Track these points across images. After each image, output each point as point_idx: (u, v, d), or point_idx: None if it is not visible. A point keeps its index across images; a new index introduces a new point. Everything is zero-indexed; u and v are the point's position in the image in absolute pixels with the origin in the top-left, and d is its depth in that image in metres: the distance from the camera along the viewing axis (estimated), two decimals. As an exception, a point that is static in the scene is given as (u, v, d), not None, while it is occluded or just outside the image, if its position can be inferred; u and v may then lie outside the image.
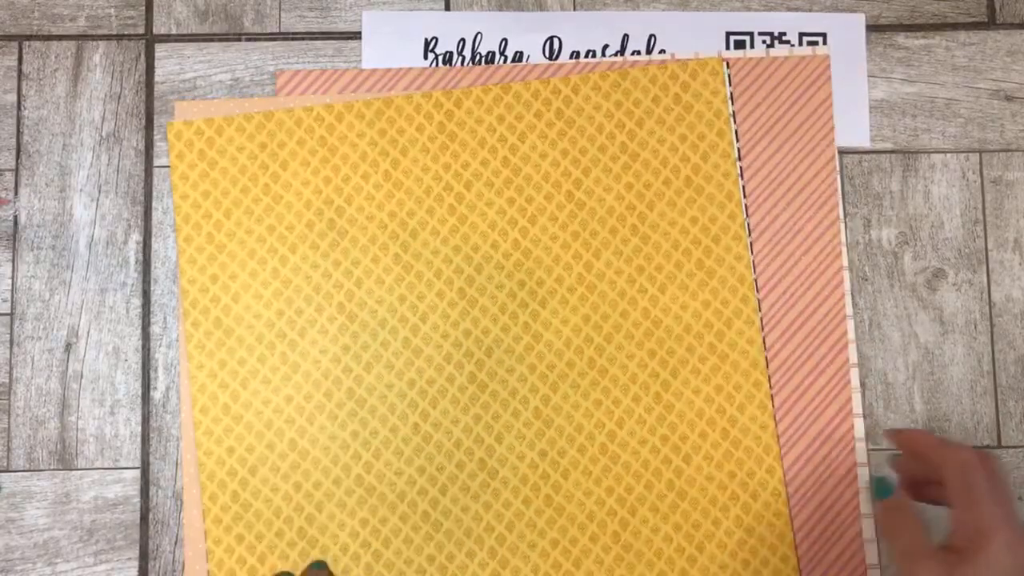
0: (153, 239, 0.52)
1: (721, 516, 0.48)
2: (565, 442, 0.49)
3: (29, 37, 0.53)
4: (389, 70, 0.52)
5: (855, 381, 0.50)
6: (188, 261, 0.50)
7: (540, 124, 0.51)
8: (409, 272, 0.50)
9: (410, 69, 0.52)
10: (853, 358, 0.50)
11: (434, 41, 0.53)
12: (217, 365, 0.49)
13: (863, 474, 0.49)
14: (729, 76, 0.52)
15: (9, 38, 0.53)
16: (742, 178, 0.51)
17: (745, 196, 0.51)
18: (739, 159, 0.51)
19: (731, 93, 0.52)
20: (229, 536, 0.48)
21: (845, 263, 0.51)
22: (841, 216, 0.51)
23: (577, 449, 0.49)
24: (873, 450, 0.51)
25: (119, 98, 0.53)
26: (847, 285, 0.51)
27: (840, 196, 0.51)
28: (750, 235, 0.51)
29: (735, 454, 0.49)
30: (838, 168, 0.52)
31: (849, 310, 0.51)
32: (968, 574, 0.36)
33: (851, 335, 0.50)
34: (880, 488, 0.44)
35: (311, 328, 0.49)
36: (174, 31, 0.53)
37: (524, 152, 0.51)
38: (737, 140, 0.51)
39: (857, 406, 0.50)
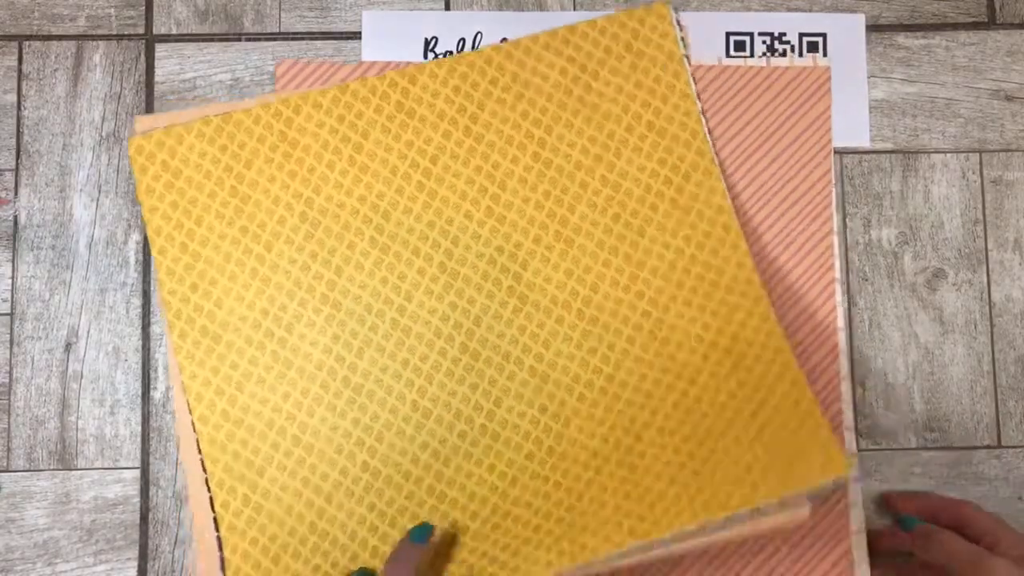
0: (153, 239, 0.52)
1: (735, 416, 0.47)
2: (564, 393, 0.49)
3: (29, 37, 0.53)
4: (390, 62, 0.52)
5: (846, 394, 0.50)
6: (166, 273, 0.49)
7: (496, 90, 0.51)
8: (387, 253, 0.50)
9: (411, 62, 0.52)
10: (844, 370, 0.50)
11: (434, 41, 0.53)
12: (210, 373, 0.49)
13: (855, 490, 0.48)
14: (678, 21, 0.52)
15: (9, 38, 0.53)
16: (722, 169, 0.51)
17: (738, 204, 0.51)
18: (715, 156, 0.51)
19: (682, 38, 0.51)
20: (244, 541, 0.47)
21: (838, 275, 0.51)
22: (835, 229, 0.51)
23: (576, 398, 0.48)
24: (865, 450, 0.51)
25: (119, 98, 0.53)
26: (839, 297, 0.50)
27: (834, 210, 0.51)
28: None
29: (743, 363, 0.48)
30: (833, 181, 0.51)
31: (841, 322, 0.50)
32: None
33: (843, 346, 0.50)
34: (906, 522, 0.47)
35: (298, 323, 0.49)
36: (174, 31, 0.53)
37: (484, 119, 0.51)
38: (706, 116, 0.51)
39: (849, 420, 0.49)
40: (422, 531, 0.45)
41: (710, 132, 0.52)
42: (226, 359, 0.49)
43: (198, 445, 0.49)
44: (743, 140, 0.52)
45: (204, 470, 0.48)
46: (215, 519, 0.48)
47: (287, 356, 0.49)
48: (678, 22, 0.52)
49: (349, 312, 0.49)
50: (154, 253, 0.49)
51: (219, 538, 0.48)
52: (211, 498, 0.48)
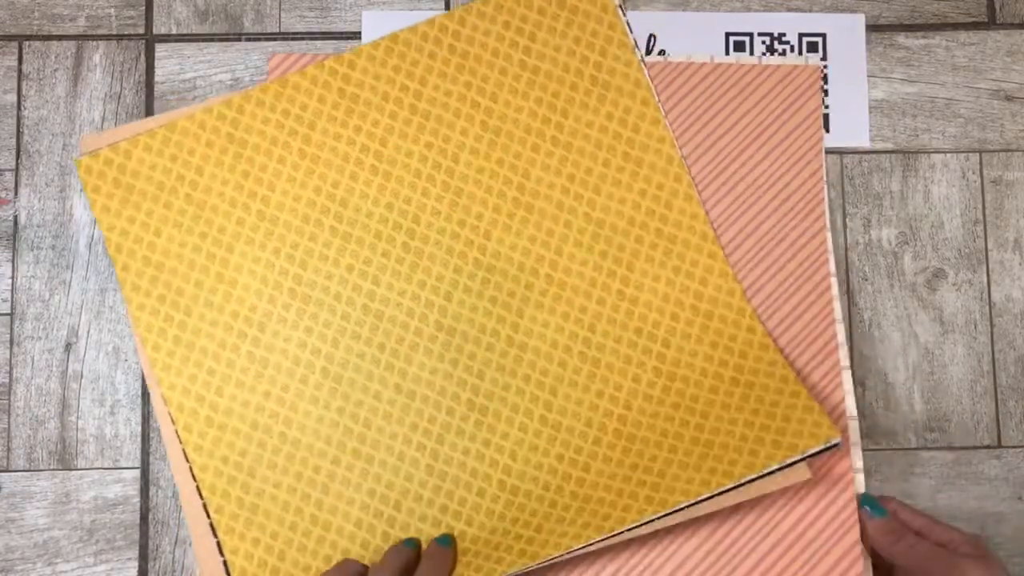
0: (153, 239, 0.52)
1: (716, 383, 0.48)
2: (544, 361, 0.49)
3: (29, 37, 0.53)
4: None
5: (847, 384, 0.49)
6: (131, 289, 0.49)
7: (436, 64, 0.51)
8: (349, 240, 0.50)
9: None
10: (845, 361, 0.49)
11: (434, 41, 0.53)
12: (188, 381, 0.49)
13: (859, 480, 0.48)
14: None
15: (9, 38, 0.53)
16: (713, 165, 0.51)
17: (730, 200, 0.51)
18: (660, 105, 0.51)
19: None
20: (244, 543, 0.47)
21: (832, 270, 0.50)
22: (827, 225, 0.51)
23: (558, 364, 0.49)
24: (865, 450, 0.51)
25: (119, 98, 0.53)
26: (835, 291, 0.50)
27: (827, 207, 0.51)
28: (731, 240, 0.51)
29: (711, 325, 0.49)
30: (825, 178, 0.51)
31: (838, 314, 0.50)
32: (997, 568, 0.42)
33: (841, 338, 0.50)
34: (873, 505, 0.47)
35: (269, 321, 0.49)
36: (174, 31, 0.53)
37: (428, 95, 0.51)
38: (663, 105, 0.51)
39: (852, 409, 0.49)
40: (447, 538, 0.47)
41: (679, 137, 0.52)
42: (203, 365, 0.49)
43: (185, 454, 0.48)
44: (735, 137, 0.52)
45: (194, 478, 0.48)
46: (211, 524, 0.48)
47: (262, 355, 0.49)
48: None
49: (319, 303, 0.49)
50: (117, 271, 0.49)
51: (218, 543, 0.47)
52: (204, 504, 0.48)
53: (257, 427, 0.48)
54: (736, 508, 0.48)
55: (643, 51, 0.53)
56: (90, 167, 0.50)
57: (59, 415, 0.51)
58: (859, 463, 0.48)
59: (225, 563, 0.47)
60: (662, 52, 0.53)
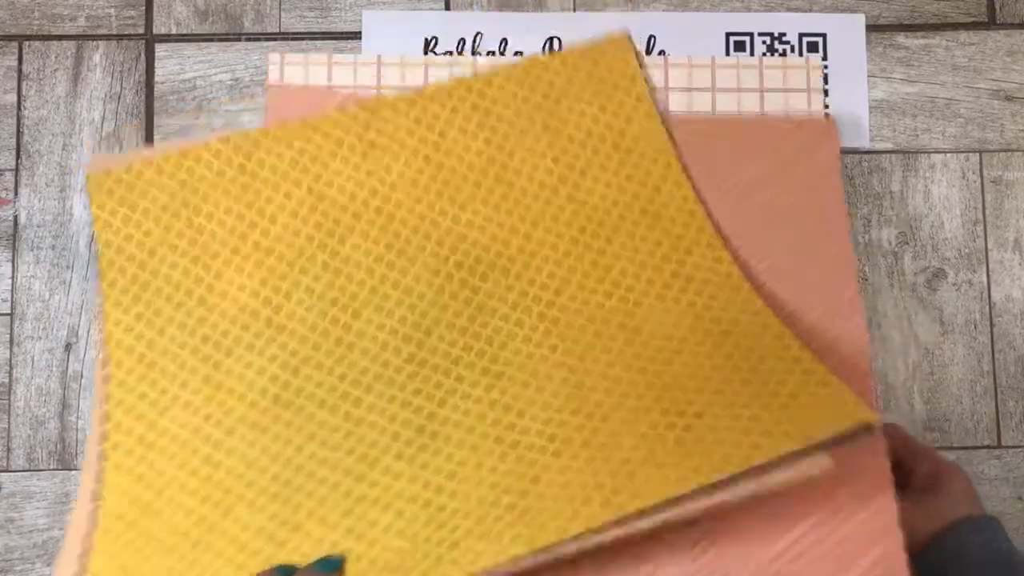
0: (153, 239, 0.52)
1: (723, 386, 0.45)
2: (519, 388, 0.47)
3: (29, 37, 0.53)
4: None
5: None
6: (113, 304, 0.48)
7: (458, 119, 0.51)
8: (339, 276, 0.49)
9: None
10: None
11: (434, 41, 0.53)
12: (136, 399, 0.47)
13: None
14: (638, 53, 0.53)
15: (9, 38, 0.53)
16: (725, 240, 0.50)
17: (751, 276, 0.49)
18: (684, 166, 0.51)
19: (638, 54, 0.52)
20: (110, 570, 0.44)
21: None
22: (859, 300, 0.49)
23: (534, 390, 0.47)
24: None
25: (119, 98, 0.53)
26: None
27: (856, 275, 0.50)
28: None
29: (722, 350, 0.47)
30: (853, 249, 0.50)
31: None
32: (934, 503, 0.43)
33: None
34: None
35: (237, 346, 0.48)
36: (174, 31, 0.53)
37: (447, 147, 0.51)
38: (668, 127, 0.51)
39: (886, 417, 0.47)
40: (329, 563, 0.42)
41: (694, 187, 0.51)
42: (156, 384, 0.47)
43: (103, 473, 0.46)
44: (752, 204, 0.51)
45: (100, 498, 0.46)
46: (85, 551, 0.45)
47: (220, 379, 0.47)
48: (638, 54, 0.52)
49: (291, 333, 0.48)
50: (103, 285, 0.48)
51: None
52: (93, 528, 0.45)
53: (186, 447, 0.46)
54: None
55: (643, 54, 0.53)
56: (100, 183, 0.49)
57: (59, 415, 0.51)
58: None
59: None
60: (662, 52, 0.53)
